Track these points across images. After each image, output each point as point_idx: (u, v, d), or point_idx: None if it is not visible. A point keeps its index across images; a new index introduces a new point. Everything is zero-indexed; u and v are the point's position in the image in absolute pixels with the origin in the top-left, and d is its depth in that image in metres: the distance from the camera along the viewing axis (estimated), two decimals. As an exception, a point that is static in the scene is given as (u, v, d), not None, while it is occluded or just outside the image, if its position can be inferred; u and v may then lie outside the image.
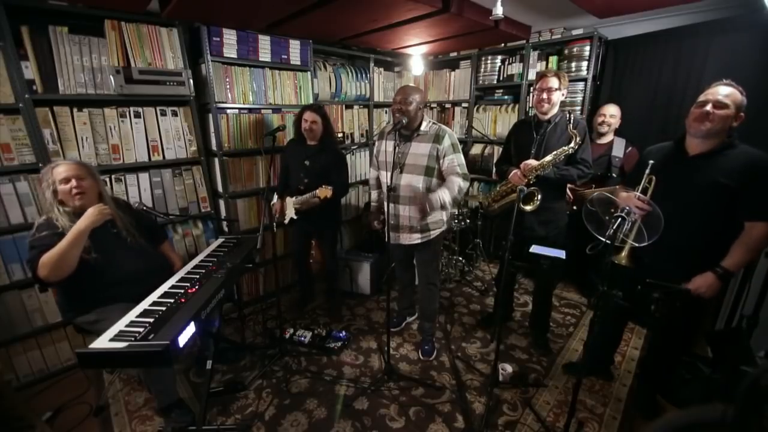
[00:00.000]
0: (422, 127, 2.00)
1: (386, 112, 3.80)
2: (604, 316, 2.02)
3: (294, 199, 2.47)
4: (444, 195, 1.93)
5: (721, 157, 1.46)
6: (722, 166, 1.45)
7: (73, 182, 1.61)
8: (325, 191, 2.25)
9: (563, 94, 2.04)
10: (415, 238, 2.13)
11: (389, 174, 1.96)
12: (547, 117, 2.06)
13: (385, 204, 1.96)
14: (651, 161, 1.57)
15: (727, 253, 1.49)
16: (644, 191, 1.59)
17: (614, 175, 2.58)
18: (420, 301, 2.44)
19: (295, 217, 2.50)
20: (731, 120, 1.43)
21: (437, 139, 1.96)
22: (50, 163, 1.69)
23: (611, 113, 2.61)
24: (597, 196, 1.71)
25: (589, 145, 2.06)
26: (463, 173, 1.97)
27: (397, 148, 1.94)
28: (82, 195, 1.63)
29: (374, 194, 2.39)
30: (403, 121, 1.90)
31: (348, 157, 3.38)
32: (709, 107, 1.43)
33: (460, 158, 1.99)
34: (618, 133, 2.68)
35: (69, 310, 1.75)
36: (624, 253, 1.59)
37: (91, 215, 1.57)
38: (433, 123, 2.04)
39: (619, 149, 2.60)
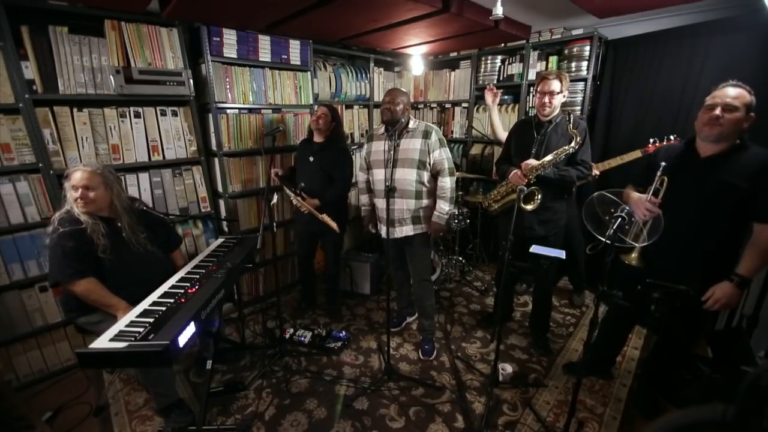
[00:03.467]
0: (410, 125, 2.14)
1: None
2: (609, 318, 2.04)
3: (292, 196, 2.46)
4: (441, 206, 2.13)
5: (732, 159, 1.44)
6: (734, 168, 1.42)
7: (80, 192, 1.65)
8: (311, 202, 2.41)
9: (565, 96, 2.05)
10: (408, 230, 2.19)
11: (386, 171, 2.01)
12: (548, 118, 2.07)
13: (379, 200, 2.10)
14: (663, 162, 1.54)
15: (738, 254, 1.47)
16: (656, 193, 1.57)
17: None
18: (416, 298, 2.45)
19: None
20: (742, 122, 1.40)
21: (426, 135, 2.10)
22: (74, 165, 1.82)
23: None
24: (598, 195, 1.71)
25: (589, 146, 2.06)
26: (449, 168, 2.13)
27: (397, 146, 2.04)
28: (86, 204, 1.67)
29: (364, 198, 2.41)
30: (402, 120, 2.04)
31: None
32: (718, 111, 1.40)
33: (447, 152, 2.13)
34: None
35: (72, 309, 1.75)
36: (634, 254, 1.59)
37: (121, 314, 1.62)
38: (419, 121, 2.18)
39: None
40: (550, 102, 2.01)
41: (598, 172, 2.56)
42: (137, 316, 1.48)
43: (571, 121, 2.00)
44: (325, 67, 3.16)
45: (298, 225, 2.80)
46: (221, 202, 2.74)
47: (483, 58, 3.46)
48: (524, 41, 3.10)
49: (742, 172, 1.40)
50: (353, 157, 3.07)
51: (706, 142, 1.49)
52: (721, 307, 1.47)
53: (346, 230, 3.22)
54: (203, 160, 2.57)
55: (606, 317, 2.09)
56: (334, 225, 2.39)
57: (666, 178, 1.55)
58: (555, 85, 1.99)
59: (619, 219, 1.41)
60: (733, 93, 1.39)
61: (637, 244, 1.57)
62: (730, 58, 2.26)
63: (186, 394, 2.05)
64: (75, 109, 2.05)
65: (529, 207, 2.06)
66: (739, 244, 1.49)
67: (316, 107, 2.52)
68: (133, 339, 1.30)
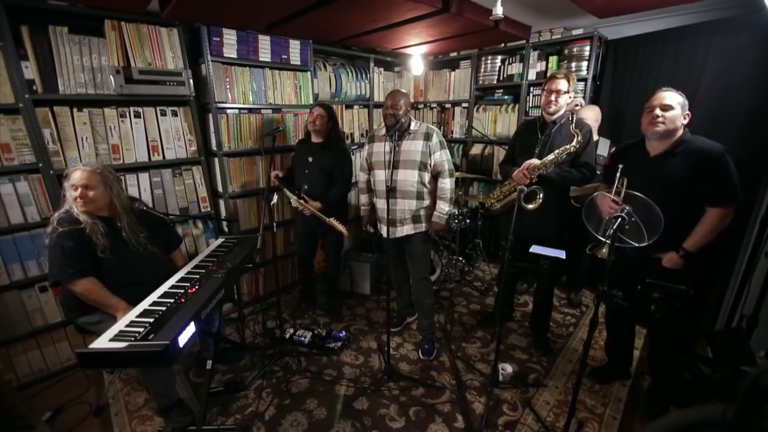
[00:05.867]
0: (412, 127, 2.15)
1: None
2: (610, 317, 2.06)
3: (294, 198, 2.46)
4: (441, 206, 2.16)
5: (678, 154, 1.62)
6: (680, 162, 1.61)
7: (79, 191, 1.65)
8: (313, 205, 2.43)
9: (571, 96, 2.06)
10: (408, 230, 2.21)
11: (388, 172, 2.01)
12: (553, 118, 2.09)
13: (380, 201, 2.16)
14: (620, 165, 1.67)
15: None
16: (618, 192, 1.69)
17: (599, 172, 2.56)
18: (415, 297, 2.46)
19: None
20: (680, 118, 1.60)
21: (427, 137, 2.12)
22: (73, 165, 1.81)
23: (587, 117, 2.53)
24: (596, 197, 1.72)
25: (593, 148, 2.07)
26: (450, 169, 2.16)
27: (398, 147, 2.06)
28: (85, 203, 1.67)
29: (364, 198, 2.43)
30: (402, 121, 2.05)
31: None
32: (657, 111, 1.60)
33: (447, 154, 2.17)
34: (601, 133, 2.67)
35: (72, 309, 1.75)
36: (605, 249, 1.61)
37: (121, 314, 1.64)
38: (420, 122, 2.19)
39: (603, 149, 2.60)
40: (556, 101, 2.02)
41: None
42: (137, 316, 1.48)
43: (574, 121, 2.01)
44: (325, 67, 3.16)
45: (298, 225, 2.80)
46: (221, 202, 2.74)
47: (483, 58, 3.47)
48: (524, 41, 3.10)
49: (686, 165, 1.59)
50: (353, 156, 3.08)
51: (654, 141, 1.68)
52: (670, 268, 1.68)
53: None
54: (203, 160, 2.57)
55: (608, 318, 2.10)
56: (342, 228, 2.41)
57: (625, 179, 1.67)
58: (562, 84, 2.00)
59: (619, 219, 1.42)
60: (666, 95, 1.60)
61: (636, 244, 1.57)
62: (730, 58, 2.26)
63: (186, 394, 2.05)
64: (75, 109, 2.05)
65: (530, 206, 2.06)
66: (692, 226, 1.63)
67: (314, 107, 2.50)
68: (133, 339, 1.30)
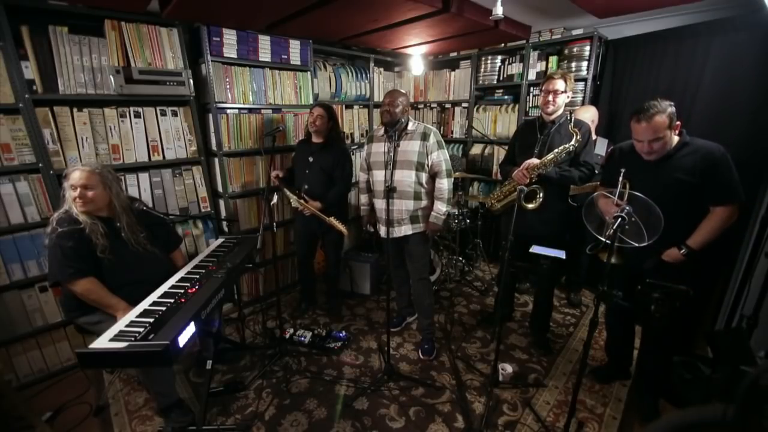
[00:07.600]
0: (409, 127, 2.14)
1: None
2: (609, 316, 2.06)
3: (294, 198, 2.46)
4: (439, 207, 2.16)
5: (678, 156, 1.63)
6: (681, 164, 1.61)
7: (78, 191, 1.65)
8: (313, 205, 2.43)
9: (569, 96, 2.07)
10: (406, 230, 2.21)
11: (387, 172, 2.01)
12: (551, 118, 2.09)
13: (378, 201, 2.22)
14: (623, 169, 1.66)
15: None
16: (621, 195, 1.68)
17: (597, 171, 2.57)
18: (414, 297, 2.46)
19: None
20: (670, 138, 1.60)
21: (425, 137, 2.11)
22: (73, 165, 1.81)
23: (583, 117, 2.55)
24: (598, 199, 1.72)
25: (592, 147, 2.07)
26: (447, 169, 2.14)
27: (396, 147, 2.06)
28: (84, 203, 1.67)
29: (364, 198, 2.43)
30: (402, 121, 2.06)
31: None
32: (647, 146, 1.61)
33: (445, 154, 2.15)
34: (599, 132, 2.68)
35: (72, 309, 1.75)
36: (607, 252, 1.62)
37: (121, 314, 1.64)
38: (418, 122, 2.19)
39: (600, 148, 2.60)
40: (554, 101, 2.03)
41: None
42: (137, 316, 1.48)
43: (572, 120, 2.01)
44: (325, 67, 3.16)
45: (298, 225, 2.80)
46: (221, 202, 2.74)
47: (483, 58, 3.47)
48: (524, 41, 3.10)
49: (688, 168, 1.59)
50: (353, 156, 3.08)
51: None
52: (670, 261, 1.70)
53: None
54: (203, 160, 2.57)
55: (607, 318, 2.10)
56: (342, 228, 2.42)
57: (628, 182, 1.66)
58: (559, 84, 2.01)
59: (619, 219, 1.42)
60: (653, 125, 1.55)
61: (636, 244, 1.57)
62: (731, 58, 2.26)
63: (186, 394, 2.05)
64: (75, 109, 2.05)
65: (530, 206, 2.06)
66: (695, 226, 1.64)
67: (314, 108, 2.50)
68: (133, 339, 1.30)
